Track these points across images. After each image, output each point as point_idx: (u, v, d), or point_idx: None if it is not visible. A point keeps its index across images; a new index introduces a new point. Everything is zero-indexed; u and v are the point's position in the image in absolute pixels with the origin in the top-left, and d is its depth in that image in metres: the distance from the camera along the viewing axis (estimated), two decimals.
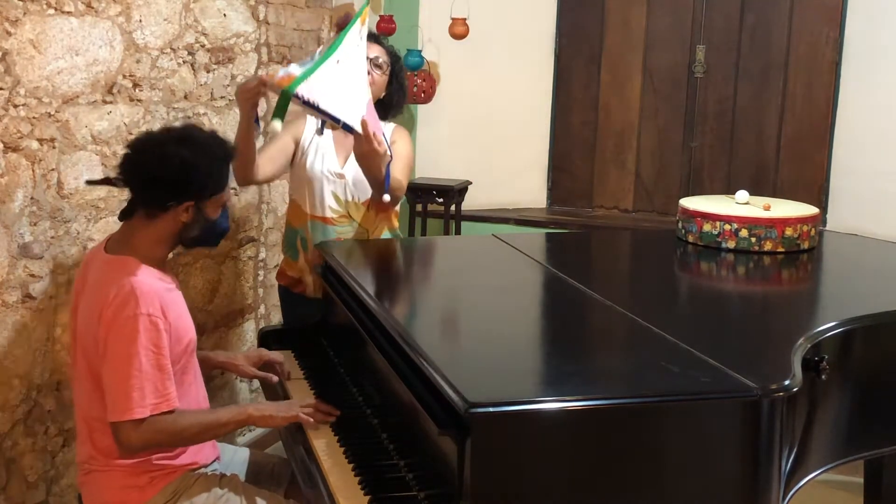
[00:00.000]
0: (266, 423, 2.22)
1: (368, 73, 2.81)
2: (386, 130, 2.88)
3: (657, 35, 4.76)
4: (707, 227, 2.83)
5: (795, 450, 1.87)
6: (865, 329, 2.16)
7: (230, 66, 3.37)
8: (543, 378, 1.83)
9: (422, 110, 4.65)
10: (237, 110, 2.74)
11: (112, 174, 2.22)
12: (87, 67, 2.66)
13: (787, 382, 1.69)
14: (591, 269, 2.95)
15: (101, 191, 2.70)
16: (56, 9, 2.52)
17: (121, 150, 2.34)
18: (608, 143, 4.91)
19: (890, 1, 4.33)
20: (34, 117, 2.47)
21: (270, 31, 3.64)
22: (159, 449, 2.11)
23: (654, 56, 4.78)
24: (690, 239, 2.90)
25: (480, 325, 2.16)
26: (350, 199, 2.93)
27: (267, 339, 2.78)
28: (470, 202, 4.68)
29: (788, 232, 2.78)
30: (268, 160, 2.88)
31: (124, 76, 2.81)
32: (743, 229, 2.78)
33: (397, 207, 3.04)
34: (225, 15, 3.32)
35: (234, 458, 2.43)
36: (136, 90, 2.87)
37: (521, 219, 4.74)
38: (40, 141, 2.50)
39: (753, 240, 2.78)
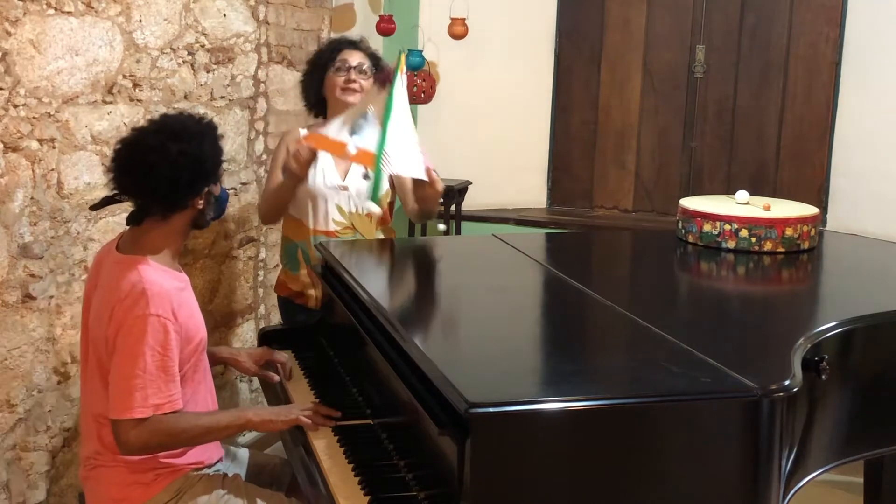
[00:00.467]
0: (265, 428, 2.21)
1: (354, 80, 2.88)
2: None
3: (657, 35, 4.77)
4: (707, 228, 2.83)
5: (795, 450, 1.86)
6: (865, 329, 2.16)
7: (230, 66, 3.37)
8: (543, 378, 1.83)
9: (422, 110, 4.65)
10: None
11: (110, 189, 2.17)
12: (87, 67, 2.65)
13: (787, 383, 1.69)
14: (591, 270, 2.95)
15: (102, 191, 2.70)
16: (56, 9, 2.52)
17: None
18: (608, 143, 4.91)
19: (890, 1, 4.34)
20: (34, 117, 2.47)
21: (270, 31, 3.64)
22: (158, 449, 2.11)
23: (654, 56, 4.78)
24: (690, 239, 2.89)
25: (480, 325, 2.16)
26: (354, 210, 2.94)
27: (267, 339, 2.78)
28: (470, 202, 4.69)
29: (788, 232, 2.78)
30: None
31: (124, 76, 2.81)
32: (743, 229, 2.78)
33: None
34: (225, 15, 3.32)
35: (235, 458, 2.43)
36: (136, 90, 2.87)
37: (521, 219, 4.74)
38: (40, 141, 2.50)
39: (753, 240, 2.78)
